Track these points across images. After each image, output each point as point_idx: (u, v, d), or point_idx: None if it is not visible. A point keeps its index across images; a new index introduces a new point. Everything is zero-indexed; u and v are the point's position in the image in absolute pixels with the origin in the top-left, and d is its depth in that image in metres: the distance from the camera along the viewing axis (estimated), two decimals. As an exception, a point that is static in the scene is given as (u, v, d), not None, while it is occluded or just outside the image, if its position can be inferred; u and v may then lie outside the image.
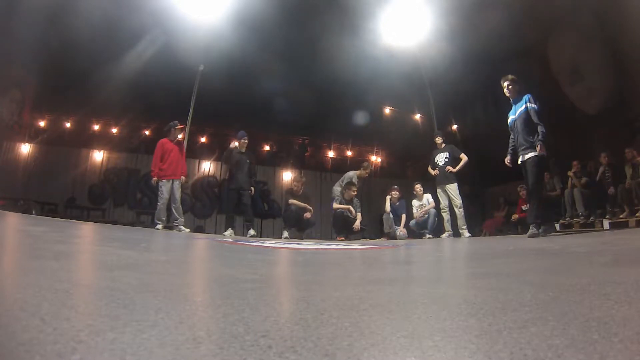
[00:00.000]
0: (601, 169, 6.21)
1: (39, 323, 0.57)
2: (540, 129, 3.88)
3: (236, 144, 6.23)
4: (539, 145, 3.84)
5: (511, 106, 4.27)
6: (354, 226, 6.13)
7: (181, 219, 5.69)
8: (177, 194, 5.69)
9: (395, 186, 6.97)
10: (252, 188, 6.20)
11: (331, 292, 1.09)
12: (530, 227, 3.95)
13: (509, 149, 4.32)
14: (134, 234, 3.97)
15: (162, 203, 5.62)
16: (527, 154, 3.99)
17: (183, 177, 5.88)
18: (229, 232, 5.83)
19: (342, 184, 6.59)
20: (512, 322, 0.67)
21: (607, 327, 0.62)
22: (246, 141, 6.26)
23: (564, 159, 6.76)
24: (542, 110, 4.01)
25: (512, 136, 4.28)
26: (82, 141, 9.84)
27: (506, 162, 4.34)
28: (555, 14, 6.56)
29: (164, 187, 5.62)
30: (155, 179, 5.68)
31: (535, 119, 3.93)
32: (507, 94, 4.23)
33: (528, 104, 4.01)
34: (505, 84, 4.22)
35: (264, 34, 7.50)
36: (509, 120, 4.31)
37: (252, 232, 5.96)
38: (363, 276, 1.58)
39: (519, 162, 4.13)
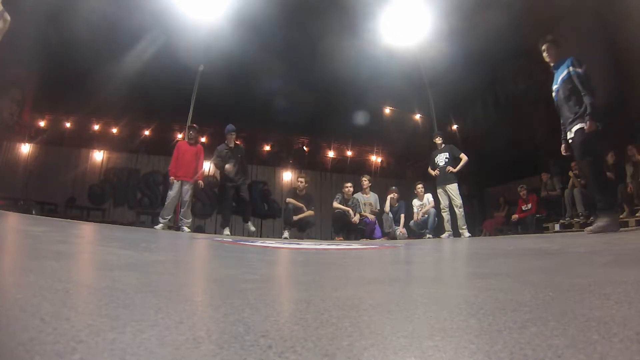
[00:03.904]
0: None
1: (39, 323, 0.57)
2: (587, 99, 3.19)
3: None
4: (588, 122, 3.14)
5: (553, 75, 3.58)
6: (353, 220, 6.10)
7: (187, 220, 5.72)
8: (186, 196, 5.70)
9: (394, 187, 6.97)
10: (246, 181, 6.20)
11: (331, 292, 1.09)
12: (597, 220, 3.24)
13: (562, 132, 3.53)
14: (134, 234, 3.97)
15: (168, 202, 5.66)
16: (574, 126, 3.30)
17: (200, 182, 5.88)
18: (227, 231, 5.84)
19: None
20: (512, 322, 0.67)
21: (607, 327, 0.62)
22: (233, 135, 6.11)
23: (563, 159, 6.77)
24: (589, 75, 3.32)
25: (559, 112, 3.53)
26: (82, 141, 9.86)
27: (563, 152, 3.58)
28: (555, 14, 6.56)
29: (174, 187, 5.66)
30: (172, 178, 5.73)
31: (580, 86, 3.25)
32: (547, 59, 3.58)
33: (571, 68, 3.34)
34: (544, 47, 3.56)
35: (264, 34, 7.51)
36: (553, 94, 3.60)
37: (252, 227, 5.94)
38: (363, 276, 1.58)
39: (569, 140, 3.43)
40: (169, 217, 5.69)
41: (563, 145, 3.56)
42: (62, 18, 6.42)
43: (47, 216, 6.40)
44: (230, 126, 6.12)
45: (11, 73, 7.51)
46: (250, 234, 6.10)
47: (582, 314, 0.70)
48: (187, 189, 5.72)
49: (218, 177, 10.46)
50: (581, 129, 3.24)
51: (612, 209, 3.28)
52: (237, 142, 6.33)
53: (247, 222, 5.97)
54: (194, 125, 6.09)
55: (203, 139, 10.60)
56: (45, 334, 0.53)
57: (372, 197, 6.59)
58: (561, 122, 3.54)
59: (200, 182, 5.90)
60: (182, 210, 5.73)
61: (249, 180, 6.28)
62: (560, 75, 3.46)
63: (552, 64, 3.59)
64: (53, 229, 2.88)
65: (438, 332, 0.63)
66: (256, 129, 10.14)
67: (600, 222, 3.14)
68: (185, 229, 5.63)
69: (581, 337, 0.58)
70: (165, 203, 5.68)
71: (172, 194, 5.63)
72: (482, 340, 0.59)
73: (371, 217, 6.39)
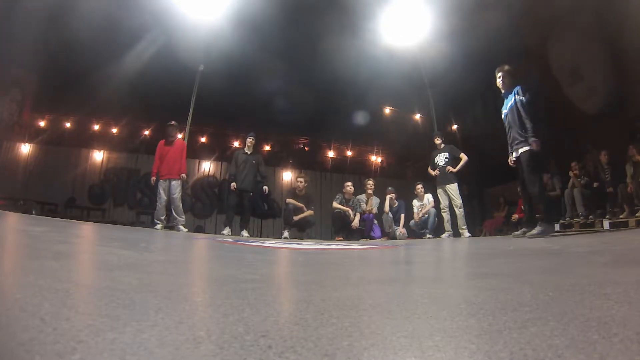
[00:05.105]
0: (597, 171, 6.23)
1: (39, 323, 0.57)
2: (528, 124, 3.74)
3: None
4: (534, 143, 3.68)
5: (503, 100, 4.12)
6: (352, 224, 6.12)
7: (180, 219, 5.68)
8: (175, 193, 5.68)
9: (390, 188, 6.97)
10: (266, 188, 6.34)
11: (331, 292, 1.09)
12: (538, 225, 3.70)
13: (509, 147, 4.11)
14: (134, 234, 3.97)
15: (159, 203, 5.66)
16: (520, 148, 3.83)
17: (184, 175, 5.86)
18: (227, 230, 5.85)
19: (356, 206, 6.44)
20: (512, 322, 0.67)
21: (607, 327, 0.62)
22: (252, 141, 6.29)
23: (563, 159, 6.77)
24: (532, 103, 3.84)
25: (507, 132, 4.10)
26: (82, 141, 9.85)
27: (510, 162, 4.10)
28: (555, 14, 6.56)
29: (160, 187, 5.66)
30: (153, 178, 5.76)
31: (523, 113, 3.79)
32: (500, 86, 4.09)
33: (516, 96, 3.85)
34: (499, 74, 4.05)
35: (264, 34, 7.51)
36: (502, 116, 4.16)
37: (245, 233, 5.97)
38: (363, 276, 1.58)
39: (514, 158, 3.97)
40: (163, 217, 5.70)
41: (512, 157, 4.05)
42: (62, 18, 6.41)
43: (47, 216, 6.40)
44: (251, 133, 6.40)
45: (11, 73, 7.51)
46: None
47: (582, 314, 0.70)
48: (175, 186, 5.67)
49: (218, 178, 10.49)
50: (526, 151, 3.78)
51: (550, 219, 3.92)
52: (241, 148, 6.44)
53: (242, 230, 6.01)
54: (172, 122, 6.07)
55: (204, 139, 10.64)
56: (45, 334, 0.53)
57: (374, 201, 6.60)
58: (508, 141, 4.07)
59: (184, 175, 5.86)
60: (172, 208, 5.69)
61: (259, 189, 6.37)
62: (509, 103, 3.97)
63: (503, 91, 4.09)
64: (53, 229, 2.88)
65: (438, 332, 0.63)
66: (256, 129, 10.13)
67: (540, 227, 3.64)
68: (181, 227, 5.59)
69: (581, 337, 0.58)
70: (157, 205, 5.68)
71: (160, 195, 5.64)
72: (482, 340, 0.59)
73: (371, 210, 6.39)
